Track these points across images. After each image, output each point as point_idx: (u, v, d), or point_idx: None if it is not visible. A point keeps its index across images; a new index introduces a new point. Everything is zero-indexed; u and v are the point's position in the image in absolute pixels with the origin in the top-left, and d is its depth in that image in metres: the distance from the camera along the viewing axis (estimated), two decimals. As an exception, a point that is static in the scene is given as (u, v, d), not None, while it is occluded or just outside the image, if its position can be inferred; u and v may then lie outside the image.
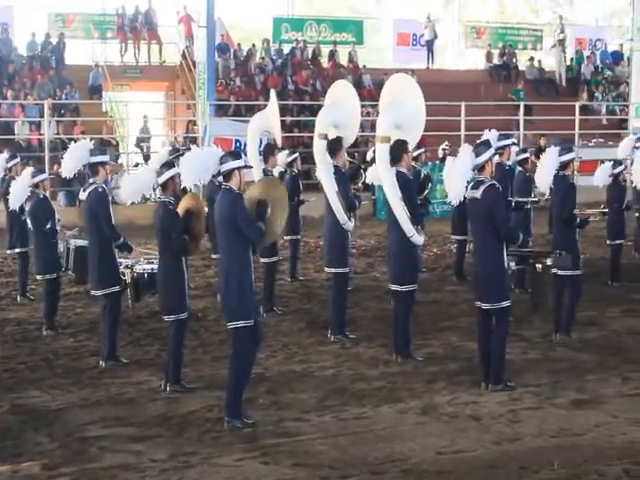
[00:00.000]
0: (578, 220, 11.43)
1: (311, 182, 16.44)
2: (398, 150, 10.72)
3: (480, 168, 9.57)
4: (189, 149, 10.43)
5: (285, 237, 15.16)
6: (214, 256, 12.88)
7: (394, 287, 10.84)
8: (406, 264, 10.70)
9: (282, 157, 14.99)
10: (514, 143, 14.44)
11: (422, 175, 14.58)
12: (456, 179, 9.63)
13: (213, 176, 9.23)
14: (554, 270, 11.22)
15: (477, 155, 9.53)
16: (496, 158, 10.40)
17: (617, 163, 14.85)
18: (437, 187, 18.89)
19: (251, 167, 9.17)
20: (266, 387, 9.79)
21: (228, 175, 8.66)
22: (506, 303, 9.59)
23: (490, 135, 12.45)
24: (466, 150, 9.69)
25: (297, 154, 15.55)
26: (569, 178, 11.54)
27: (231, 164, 8.64)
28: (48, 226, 12.20)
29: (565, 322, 11.61)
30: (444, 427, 8.62)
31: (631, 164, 16.32)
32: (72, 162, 11.35)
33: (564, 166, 11.38)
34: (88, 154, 10.99)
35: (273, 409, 9.12)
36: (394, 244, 10.81)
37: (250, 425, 8.61)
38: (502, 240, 9.53)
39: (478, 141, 10.15)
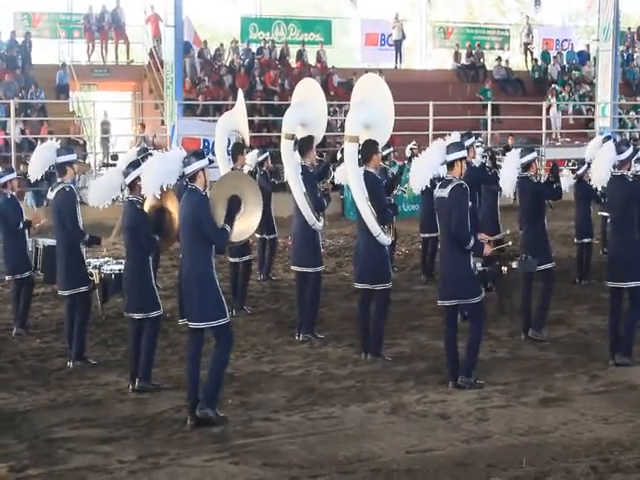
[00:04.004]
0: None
1: (280, 182, 16.43)
2: (368, 150, 10.70)
3: (450, 166, 9.57)
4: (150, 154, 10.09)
5: (258, 235, 15.06)
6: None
7: (361, 286, 10.84)
8: (377, 264, 10.68)
9: (252, 156, 14.96)
10: (481, 142, 14.47)
11: (390, 174, 14.62)
12: (422, 169, 9.64)
13: (179, 178, 9.13)
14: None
15: (448, 153, 9.54)
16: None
17: (580, 163, 14.89)
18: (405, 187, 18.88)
19: (213, 161, 9.01)
20: (235, 387, 9.77)
21: (193, 176, 8.62)
22: (477, 299, 9.57)
23: (453, 136, 12.43)
24: (438, 144, 9.69)
25: (267, 153, 15.52)
26: (532, 179, 11.57)
27: (195, 165, 8.59)
28: (21, 226, 12.08)
29: (538, 318, 11.58)
30: (413, 426, 8.64)
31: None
32: (39, 164, 11.29)
33: (526, 167, 11.44)
34: (55, 154, 10.92)
35: (242, 409, 9.11)
36: (364, 244, 10.79)
37: (222, 419, 8.61)
38: (453, 238, 9.49)
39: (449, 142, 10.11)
